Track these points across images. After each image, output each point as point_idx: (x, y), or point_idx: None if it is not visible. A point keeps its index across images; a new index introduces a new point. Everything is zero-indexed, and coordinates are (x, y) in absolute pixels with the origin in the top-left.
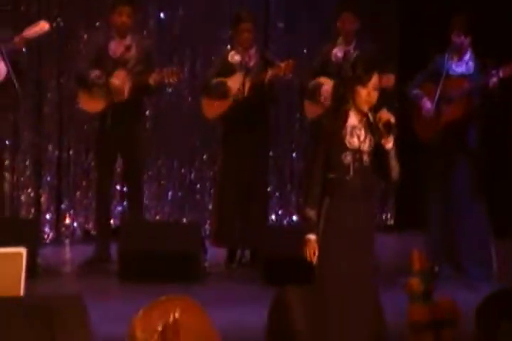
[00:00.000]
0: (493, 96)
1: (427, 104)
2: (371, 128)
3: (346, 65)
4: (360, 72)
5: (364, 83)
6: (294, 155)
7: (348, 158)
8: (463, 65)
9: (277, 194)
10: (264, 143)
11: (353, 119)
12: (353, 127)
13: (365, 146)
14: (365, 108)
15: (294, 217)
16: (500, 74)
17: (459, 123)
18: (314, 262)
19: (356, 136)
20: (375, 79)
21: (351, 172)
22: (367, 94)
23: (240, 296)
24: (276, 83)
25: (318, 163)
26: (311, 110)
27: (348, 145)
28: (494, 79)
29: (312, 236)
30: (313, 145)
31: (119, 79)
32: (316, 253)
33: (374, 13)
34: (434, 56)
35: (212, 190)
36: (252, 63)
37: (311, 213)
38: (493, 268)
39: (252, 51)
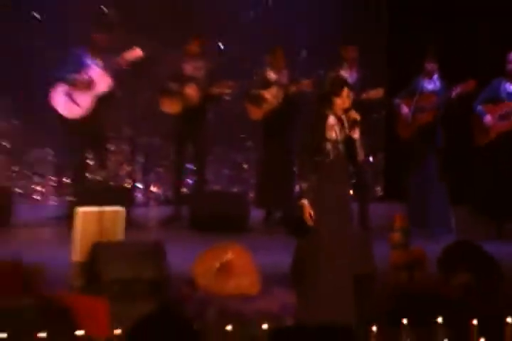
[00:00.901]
0: (453, 107)
1: (405, 110)
2: (344, 124)
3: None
4: (335, 87)
5: (338, 95)
6: None
7: (328, 146)
8: (432, 84)
9: None
10: (292, 137)
11: (331, 119)
12: (332, 125)
13: (340, 138)
14: (339, 112)
15: None
16: (459, 90)
17: (429, 126)
18: (310, 219)
19: (334, 131)
20: (345, 92)
21: (331, 156)
22: (341, 102)
23: (273, 244)
24: (300, 96)
25: (309, 149)
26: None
27: (328, 137)
28: (454, 93)
29: (304, 201)
30: (303, 137)
31: (191, 90)
32: (312, 213)
33: (367, 45)
34: (414, 77)
35: (255, 169)
36: (284, 80)
37: (303, 185)
38: (451, 227)
39: (285, 71)
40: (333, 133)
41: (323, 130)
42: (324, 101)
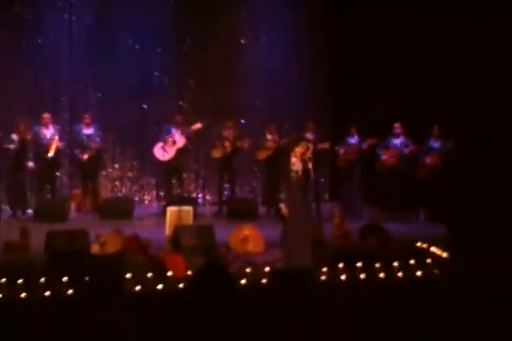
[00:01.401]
0: (364, 152)
1: (341, 152)
2: (301, 160)
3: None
4: (295, 142)
5: (297, 145)
6: None
7: (293, 174)
8: (353, 140)
9: None
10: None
11: (294, 159)
12: (294, 162)
13: (299, 168)
14: (298, 155)
15: None
16: (368, 142)
17: (353, 162)
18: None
19: (297, 164)
20: (302, 145)
21: (295, 180)
22: (298, 150)
23: (270, 225)
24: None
25: (282, 176)
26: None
27: (293, 168)
28: (365, 145)
29: (282, 205)
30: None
31: (227, 145)
32: (286, 211)
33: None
34: (344, 137)
35: (261, 186)
36: (276, 139)
37: (281, 195)
38: (364, 215)
39: (276, 136)
40: (295, 166)
41: (289, 164)
42: (289, 149)
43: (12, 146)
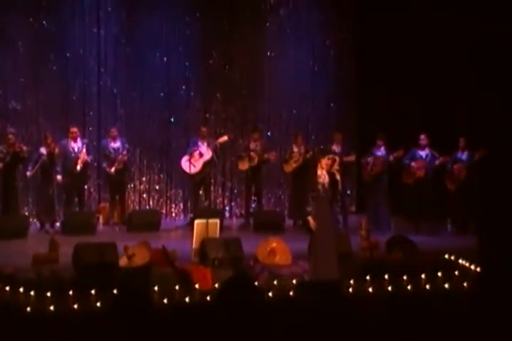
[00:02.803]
0: (391, 164)
1: (366, 165)
2: (328, 172)
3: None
4: (321, 154)
5: (323, 157)
6: None
7: (319, 186)
8: (380, 152)
9: None
10: (306, 177)
11: (320, 171)
12: (320, 174)
13: (326, 181)
14: (324, 166)
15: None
16: (395, 155)
17: (380, 174)
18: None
19: (322, 176)
20: (328, 157)
21: (322, 192)
22: (325, 162)
23: (297, 238)
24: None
25: (309, 189)
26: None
27: (319, 180)
28: (392, 157)
29: (309, 218)
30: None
31: (254, 157)
32: (313, 223)
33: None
34: (371, 149)
35: (287, 199)
36: (302, 151)
37: (308, 208)
38: (391, 227)
39: (302, 146)
40: (321, 179)
41: (316, 176)
42: (316, 162)
43: (44, 157)
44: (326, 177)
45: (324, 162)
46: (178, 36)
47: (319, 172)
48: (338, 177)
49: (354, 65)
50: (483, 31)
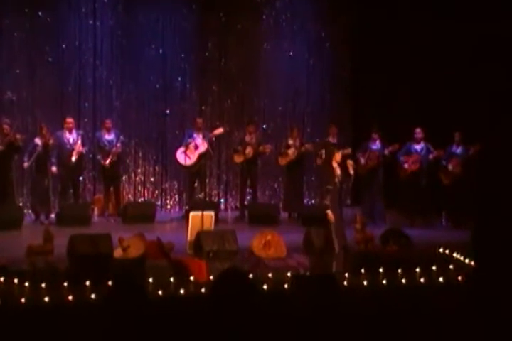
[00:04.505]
0: (386, 158)
1: (361, 159)
2: (341, 165)
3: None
4: (336, 147)
5: (337, 150)
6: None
7: (335, 179)
8: (375, 145)
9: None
10: (301, 170)
11: (335, 163)
12: (335, 167)
13: (339, 173)
14: (338, 159)
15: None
16: (390, 149)
17: (375, 168)
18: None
19: (337, 169)
20: (342, 151)
21: (337, 184)
22: (338, 155)
23: (292, 231)
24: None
25: (326, 182)
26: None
27: (335, 174)
28: (387, 151)
29: (328, 211)
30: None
31: (249, 150)
32: (331, 216)
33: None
34: (365, 142)
35: (282, 191)
36: (297, 144)
37: (327, 202)
38: (386, 221)
39: (297, 139)
40: (337, 172)
41: (332, 169)
42: (331, 154)
43: (39, 148)
44: (340, 170)
45: (338, 156)
46: (174, 28)
47: (334, 165)
48: (351, 171)
49: (349, 58)
50: (481, 26)
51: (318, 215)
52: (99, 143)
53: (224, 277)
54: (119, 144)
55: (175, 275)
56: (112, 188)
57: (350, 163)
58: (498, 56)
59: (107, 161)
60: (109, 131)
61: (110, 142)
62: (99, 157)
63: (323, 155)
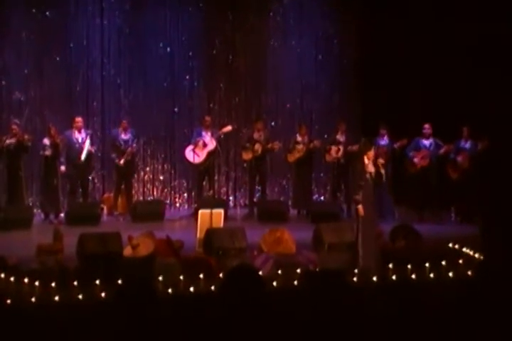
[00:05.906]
0: (395, 153)
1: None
2: (374, 163)
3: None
4: (368, 146)
5: (370, 149)
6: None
7: (367, 176)
8: (384, 141)
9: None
10: (310, 172)
11: (367, 160)
12: (367, 164)
13: (373, 171)
14: (370, 157)
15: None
16: (398, 144)
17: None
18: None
19: (369, 166)
20: (375, 148)
21: (369, 181)
22: (371, 154)
23: (301, 227)
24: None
25: (358, 177)
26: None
27: (367, 170)
28: (396, 146)
29: (359, 206)
30: (354, 170)
31: (258, 148)
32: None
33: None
34: (374, 138)
35: (291, 188)
36: (306, 141)
37: (358, 197)
38: (395, 216)
39: (305, 136)
40: (370, 168)
41: (364, 166)
42: (364, 153)
43: (47, 153)
44: (373, 167)
45: (371, 153)
46: (182, 26)
47: (366, 161)
48: (382, 170)
49: (357, 55)
50: (486, 22)
51: (327, 212)
52: (115, 142)
53: (233, 274)
54: (134, 144)
55: (184, 274)
56: (123, 187)
57: (380, 161)
58: (506, 53)
59: (122, 161)
60: (125, 130)
61: (126, 142)
62: (113, 155)
63: (357, 149)
